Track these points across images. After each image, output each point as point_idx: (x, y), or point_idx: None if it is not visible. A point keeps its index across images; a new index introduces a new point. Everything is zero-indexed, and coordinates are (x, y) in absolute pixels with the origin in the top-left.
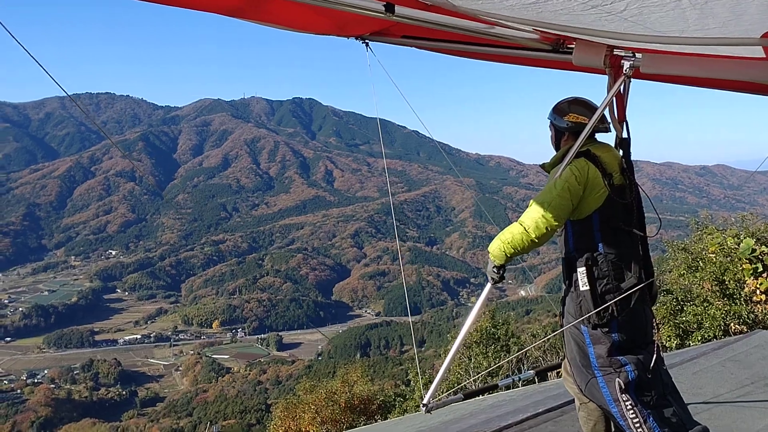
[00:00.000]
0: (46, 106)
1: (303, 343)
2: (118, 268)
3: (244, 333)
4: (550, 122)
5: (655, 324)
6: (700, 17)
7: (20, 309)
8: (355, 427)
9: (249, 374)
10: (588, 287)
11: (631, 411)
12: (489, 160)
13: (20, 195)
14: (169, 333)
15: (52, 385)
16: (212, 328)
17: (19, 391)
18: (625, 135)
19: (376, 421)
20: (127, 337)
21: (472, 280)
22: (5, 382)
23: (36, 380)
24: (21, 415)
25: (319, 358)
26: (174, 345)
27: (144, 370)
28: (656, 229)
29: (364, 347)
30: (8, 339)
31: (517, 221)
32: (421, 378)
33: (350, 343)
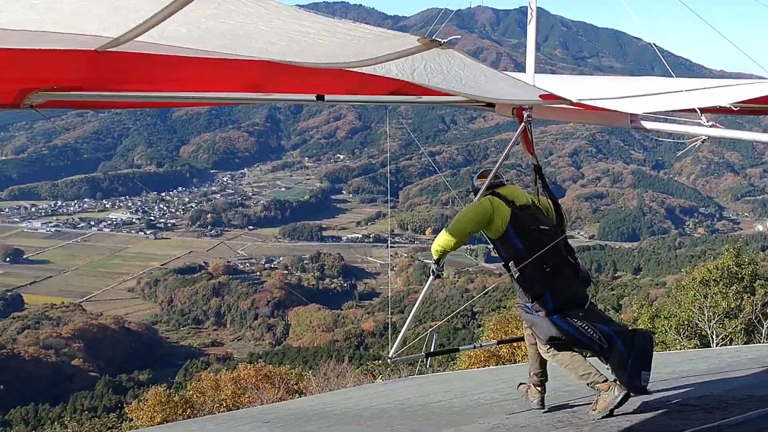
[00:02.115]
0: None
1: None
2: (345, 171)
3: None
4: (471, 185)
5: (584, 292)
6: (512, 88)
7: (261, 201)
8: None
9: (457, 281)
10: (519, 277)
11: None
12: (737, 78)
13: None
14: (386, 235)
15: (285, 272)
16: (425, 234)
17: (258, 273)
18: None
19: None
20: (349, 235)
21: (701, 209)
22: (248, 264)
23: (272, 265)
24: (259, 294)
25: None
26: (390, 247)
27: (363, 266)
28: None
29: None
30: (251, 227)
31: (444, 229)
32: (637, 303)
33: None
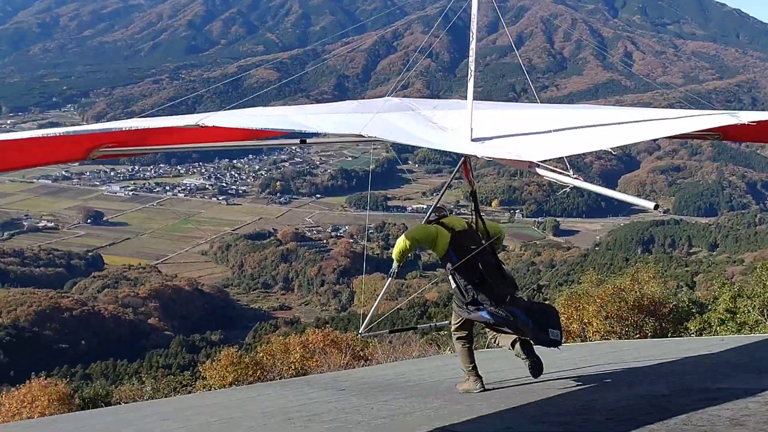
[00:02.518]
0: None
1: (580, 232)
2: None
3: (522, 214)
4: (428, 217)
5: (509, 293)
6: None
7: (329, 171)
8: (643, 327)
9: (523, 254)
10: (455, 285)
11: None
12: None
13: (332, 66)
14: (452, 206)
15: (351, 240)
16: (491, 206)
17: (324, 241)
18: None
19: (663, 325)
20: (414, 206)
21: None
22: (315, 232)
23: (338, 234)
24: (325, 261)
25: (596, 249)
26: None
27: None
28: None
29: (647, 243)
30: (318, 196)
31: (397, 242)
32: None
33: (631, 238)
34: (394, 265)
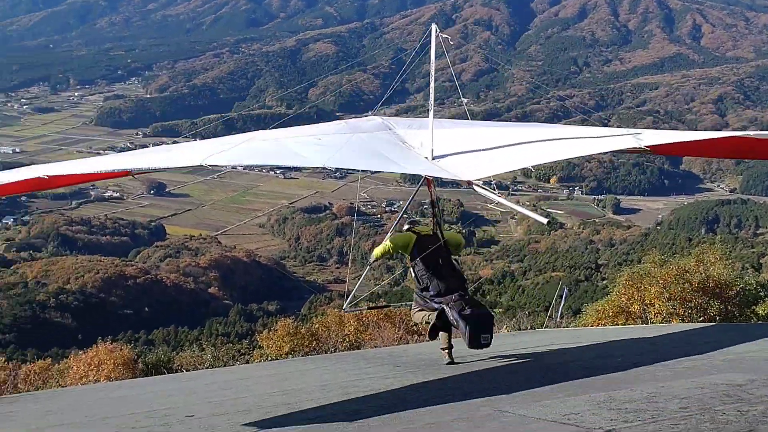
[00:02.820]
0: None
1: (642, 210)
2: (468, 115)
3: (581, 192)
4: (406, 226)
5: (457, 286)
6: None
7: None
8: (707, 309)
9: (582, 232)
10: (414, 275)
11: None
12: None
13: (390, 40)
14: (508, 183)
15: (405, 215)
16: (549, 182)
17: (379, 216)
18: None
19: (729, 308)
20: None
21: None
22: (369, 207)
23: (392, 209)
24: (379, 236)
25: (658, 228)
26: (512, 194)
27: (483, 213)
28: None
29: (711, 223)
30: (373, 171)
31: (381, 244)
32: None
33: (695, 217)
34: (371, 259)
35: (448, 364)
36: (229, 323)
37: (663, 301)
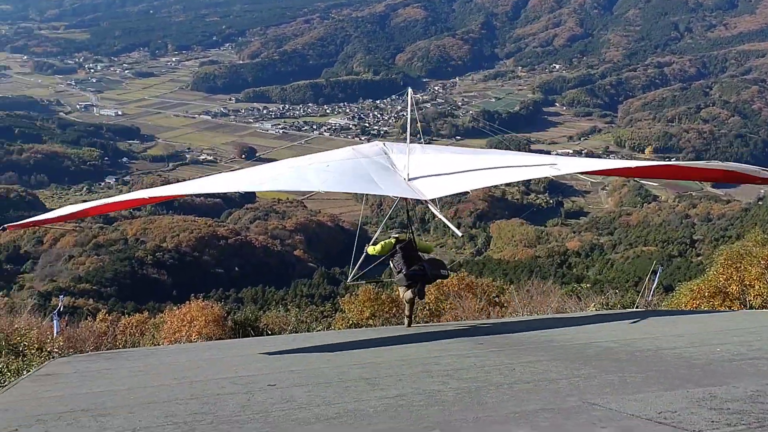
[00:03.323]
0: None
1: (743, 185)
2: (560, 82)
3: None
4: (395, 234)
5: (423, 266)
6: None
7: (470, 112)
8: None
9: (677, 206)
10: (392, 266)
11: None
12: None
13: (480, 4)
14: (600, 152)
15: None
16: (644, 153)
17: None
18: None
19: None
20: (560, 150)
21: None
22: None
23: None
24: (462, 204)
25: (760, 203)
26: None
27: (572, 183)
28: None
29: None
30: (458, 137)
31: (372, 246)
32: None
33: None
34: (365, 252)
35: (408, 326)
36: (313, 285)
37: (764, 283)
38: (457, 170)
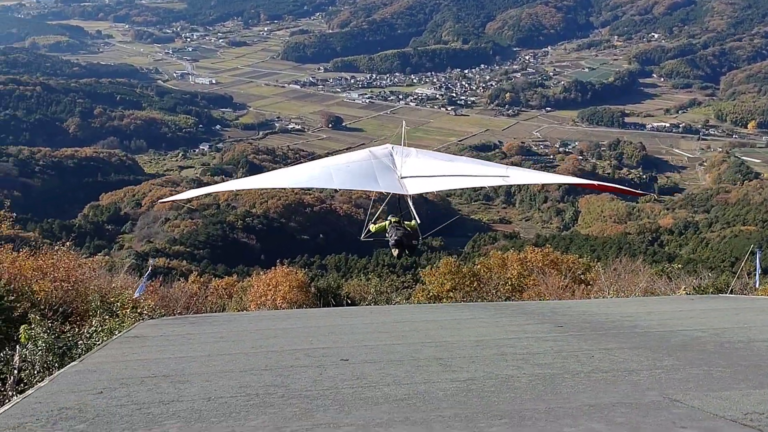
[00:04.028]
0: None
1: None
2: (658, 52)
3: None
4: (390, 217)
5: (402, 237)
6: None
7: (562, 82)
8: None
9: None
10: (387, 237)
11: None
12: None
13: None
14: (699, 126)
15: (580, 157)
16: (747, 128)
17: (551, 156)
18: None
19: None
20: (655, 124)
21: None
22: (541, 146)
23: (567, 149)
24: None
25: None
26: (702, 139)
27: (667, 158)
28: None
29: None
30: (548, 108)
31: (373, 224)
32: None
33: None
34: (366, 230)
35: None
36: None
37: None
38: (435, 173)
